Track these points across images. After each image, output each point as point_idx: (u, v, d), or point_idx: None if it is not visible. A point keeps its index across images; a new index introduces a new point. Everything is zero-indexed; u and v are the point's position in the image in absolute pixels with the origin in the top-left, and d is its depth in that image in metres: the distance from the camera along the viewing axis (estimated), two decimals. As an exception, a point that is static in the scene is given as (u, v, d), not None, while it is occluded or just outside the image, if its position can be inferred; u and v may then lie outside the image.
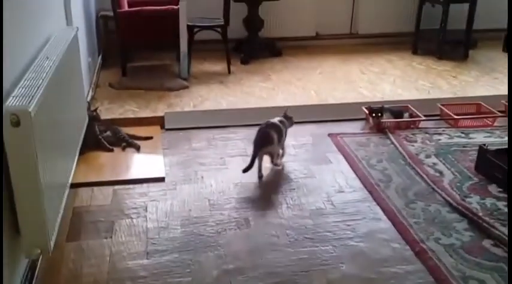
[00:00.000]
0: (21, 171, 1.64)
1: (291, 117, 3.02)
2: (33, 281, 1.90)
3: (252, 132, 3.35)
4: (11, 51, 1.81)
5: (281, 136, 2.87)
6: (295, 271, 2.10)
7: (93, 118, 3.00)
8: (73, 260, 2.10)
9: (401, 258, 2.18)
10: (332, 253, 2.22)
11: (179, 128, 3.43)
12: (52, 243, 1.78)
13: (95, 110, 3.11)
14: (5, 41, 1.70)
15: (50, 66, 2.04)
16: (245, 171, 2.75)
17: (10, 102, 1.64)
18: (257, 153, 2.76)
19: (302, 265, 2.14)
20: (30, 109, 1.62)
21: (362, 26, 5.42)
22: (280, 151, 2.97)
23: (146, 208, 2.51)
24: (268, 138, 2.78)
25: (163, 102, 3.81)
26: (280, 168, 2.94)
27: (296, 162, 3.04)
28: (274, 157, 2.90)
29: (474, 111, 3.64)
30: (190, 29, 4.34)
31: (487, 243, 2.25)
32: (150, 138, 3.22)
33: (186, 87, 4.11)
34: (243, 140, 3.30)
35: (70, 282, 1.98)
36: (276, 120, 2.91)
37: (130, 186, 2.71)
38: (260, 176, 2.82)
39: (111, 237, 2.26)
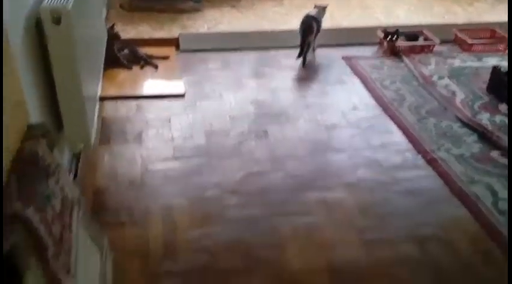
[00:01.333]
0: (62, 68, 1.80)
1: (325, 6, 3.51)
2: (76, 177, 2.13)
3: (266, 54, 3.56)
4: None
5: (319, 27, 3.40)
6: (313, 175, 2.34)
7: (113, 36, 3.16)
8: (107, 162, 2.33)
9: (413, 165, 2.42)
10: (348, 161, 2.45)
11: (194, 50, 3.59)
12: (93, 138, 1.99)
13: (112, 27, 3.24)
14: None
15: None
16: (299, 56, 3.36)
17: (47, 2, 1.77)
18: (305, 41, 3.32)
19: (320, 171, 2.38)
20: (69, 8, 1.77)
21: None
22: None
23: (169, 120, 2.72)
24: (310, 28, 3.33)
25: (176, 24, 3.94)
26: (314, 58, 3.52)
27: (311, 82, 3.24)
28: (310, 47, 3.41)
29: (488, 36, 3.79)
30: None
31: (495, 154, 2.48)
32: (167, 57, 3.39)
33: (198, 10, 4.23)
34: (257, 62, 3.48)
35: (107, 180, 2.21)
36: (314, 12, 3.42)
37: (152, 101, 2.91)
38: (304, 62, 3.40)
39: (139, 143, 2.49)
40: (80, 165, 2.13)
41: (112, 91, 2.92)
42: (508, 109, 2.63)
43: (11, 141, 1.26)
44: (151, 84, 3.13)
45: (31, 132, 1.37)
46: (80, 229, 1.43)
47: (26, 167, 1.23)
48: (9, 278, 1.01)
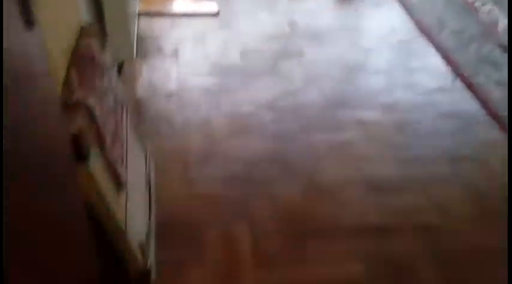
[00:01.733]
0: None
1: None
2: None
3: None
4: None
5: None
6: (349, 95, 2.40)
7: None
8: (146, 76, 2.42)
9: (451, 89, 2.46)
10: (384, 83, 2.50)
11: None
12: (134, 50, 2.07)
13: None
14: None
15: None
16: None
17: None
18: None
19: (356, 91, 2.44)
20: None
21: None
22: None
23: (204, 38, 2.78)
24: None
25: None
26: None
27: (349, 5, 3.23)
28: None
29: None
30: None
31: (535, 80, 2.49)
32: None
33: None
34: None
35: (146, 92, 2.31)
36: None
37: (186, 19, 2.95)
38: None
39: (176, 59, 2.56)
40: (121, 75, 2.22)
41: (146, 7, 2.96)
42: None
43: (68, 37, 1.35)
44: (184, 1, 3.16)
45: (84, 32, 1.44)
46: (129, 128, 1.54)
47: (82, 62, 1.32)
48: (75, 158, 1.12)
